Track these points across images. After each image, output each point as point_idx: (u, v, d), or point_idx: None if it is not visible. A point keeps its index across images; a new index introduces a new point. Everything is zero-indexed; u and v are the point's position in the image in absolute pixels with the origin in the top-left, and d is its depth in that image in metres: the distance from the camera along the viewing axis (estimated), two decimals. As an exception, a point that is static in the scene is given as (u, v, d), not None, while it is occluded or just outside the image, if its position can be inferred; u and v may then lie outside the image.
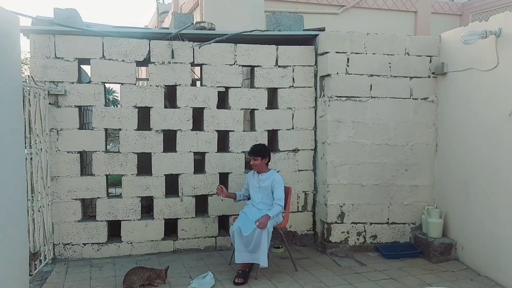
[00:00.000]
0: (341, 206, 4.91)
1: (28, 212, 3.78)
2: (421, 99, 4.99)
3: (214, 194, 4.93)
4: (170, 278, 4.02)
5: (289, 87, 5.11)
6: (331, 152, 4.87)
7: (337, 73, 4.82)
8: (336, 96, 4.84)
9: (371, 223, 4.98)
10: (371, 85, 4.91)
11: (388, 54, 4.90)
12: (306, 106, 5.16)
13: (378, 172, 4.96)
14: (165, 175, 4.81)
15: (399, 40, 4.93)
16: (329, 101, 4.84)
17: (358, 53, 4.85)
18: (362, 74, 4.88)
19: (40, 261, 4.10)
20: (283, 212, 4.38)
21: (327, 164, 4.88)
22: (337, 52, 4.81)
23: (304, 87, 5.15)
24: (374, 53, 4.88)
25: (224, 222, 5.10)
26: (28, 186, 3.75)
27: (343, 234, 4.92)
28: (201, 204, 5.04)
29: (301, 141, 5.17)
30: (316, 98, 5.18)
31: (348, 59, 4.83)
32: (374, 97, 4.92)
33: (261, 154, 4.32)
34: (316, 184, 5.20)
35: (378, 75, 4.90)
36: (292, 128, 5.14)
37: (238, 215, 4.36)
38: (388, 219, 5.02)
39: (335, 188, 4.89)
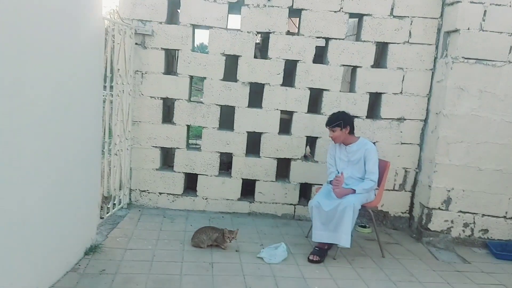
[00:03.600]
0: (449, 191, 4.10)
1: (104, 155, 3.67)
2: None
3: (298, 159, 4.44)
4: (240, 242, 3.69)
5: (403, 43, 4.28)
6: (446, 125, 4.02)
7: (468, 29, 3.87)
8: (462, 57, 3.92)
9: (483, 215, 4.11)
10: (511, 47, 3.89)
11: (540, 8, 3.82)
12: (422, 67, 4.31)
13: (504, 155, 4.01)
14: (247, 132, 4.41)
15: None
16: (453, 62, 3.94)
17: (500, 5, 3.83)
18: (501, 32, 3.87)
19: (114, 205, 4.02)
20: (376, 189, 3.74)
21: (438, 139, 4.06)
22: (471, 2, 3.85)
23: (422, 43, 4.28)
24: (520, 6, 3.83)
25: (306, 191, 4.61)
26: (105, 128, 3.60)
27: (446, 223, 4.13)
28: (283, 168, 4.59)
29: (409, 109, 4.37)
30: (435, 58, 4.29)
31: (485, 11, 3.84)
32: (513, 63, 3.92)
33: (339, 123, 3.61)
34: (421, 162, 4.41)
35: (522, 35, 3.87)
36: (401, 92, 4.35)
37: (321, 185, 3.82)
38: (506, 212, 4.10)
39: (445, 168, 4.07)
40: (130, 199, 4.43)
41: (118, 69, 3.82)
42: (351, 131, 3.69)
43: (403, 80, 4.34)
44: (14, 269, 2.25)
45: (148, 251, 3.38)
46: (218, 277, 3.03)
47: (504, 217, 4.12)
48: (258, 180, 4.48)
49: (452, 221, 4.14)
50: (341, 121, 3.61)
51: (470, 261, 3.78)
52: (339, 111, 3.74)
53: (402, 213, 4.54)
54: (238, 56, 4.29)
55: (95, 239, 3.40)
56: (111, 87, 3.70)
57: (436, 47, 4.28)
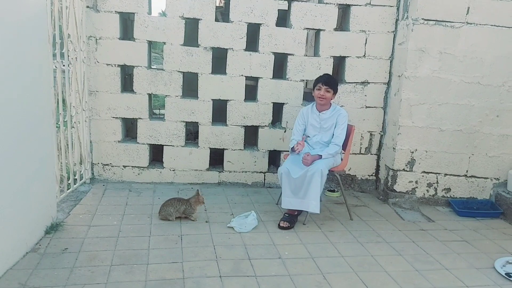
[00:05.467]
0: (412, 152, 4.17)
1: (59, 128, 3.46)
2: (535, 28, 3.94)
3: (265, 126, 4.38)
4: (210, 213, 3.64)
5: (365, 5, 4.22)
6: (409, 87, 4.05)
7: (428, -12, 3.85)
8: (422, 18, 3.91)
9: (445, 174, 4.23)
10: (468, 8, 3.91)
11: (499, -33, 3.82)
12: (384, 29, 4.28)
13: (463, 116, 4.11)
14: (212, 100, 4.28)
15: None
16: (413, 24, 3.93)
17: (458, -36, 3.82)
18: (460, -8, 3.88)
19: (76, 180, 3.85)
20: (342, 153, 3.75)
21: (401, 102, 4.09)
22: (430, -38, 3.81)
23: (383, 5, 4.23)
24: (479, -36, 3.82)
25: (275, 158, 4.58)
26: (59, 99, 3.38)
27: (411, 184, 4.23)
28: (250, 135, 4.52)
29: (372, 72, 4.36)
30: (396, 20, 4.26)
31: (444, -29, 3.83)
32: (471, 24, 3.94)
33: (335, 86, 3.60)
34: (385, 125, 4.45)
35: (481, -5, 3.88)
36: (364, 55, 4.32)
37: (289, 152, 3.79)
38: (467, 171, 4.24)
39: (408, 130, 4.13)
40: (92, 173, 4.26)
41: (69, 35, 3.56)
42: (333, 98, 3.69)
43: (366, 43, 4.30)
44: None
45: (113, 227, 3.27)
46: (187, 249, 2.98)
47: (465, 175, 4.26)
48: (226, 149, 4.41)
49: (416, 182, 4.24)
50: (336, 85, 3.61)
51: (434, 220, 3.90)
52: (331, 75, 3.78)
53: (369, 176, 4.61)
54: (198, 19, 4.10)
55: (55, 217, 3.25)
56: (62, 54, 3.45)
57: (397, 9, 4.25)
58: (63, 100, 3.50)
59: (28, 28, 2.73)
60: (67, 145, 3.63)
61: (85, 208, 3.59)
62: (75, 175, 3.85)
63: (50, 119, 3.14)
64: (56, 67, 3.28)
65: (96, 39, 4.02)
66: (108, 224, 3.32)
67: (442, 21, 3.93)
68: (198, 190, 3.51)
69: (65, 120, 3.56)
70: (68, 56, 3.55)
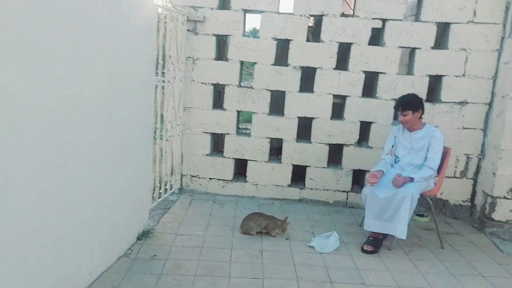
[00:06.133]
0: (516, 180, 3.80)
1: (156, 141, 3.72)
2: None
3: (351, 144, 4.29)
4: (290, 230, 3.63)
5: (467, 23, 3.97)
6: (514, 109, 3.71)
7: (541, 3, 3.52)
8: (533, 35, 3.58)
9: (554, 207, 3.78)
10: None
11: None
12: (487, 48, 3.98)
13: None
14: (298, 117, 4.30)
15: None
16: (522, 41, 3.61)
17: None
18: None
19: (166, 190, 4.09)
20: (435, 177, 3.52)
21: (505, 124, 3.75)
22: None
23: (487, 23, 3.95)
24: None
25: (359, 177, 4.44)
26: (157, 115, 3.64)
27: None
28: (335, 154, 4.45)
29: (472, 92, 4.07)
30: (502, 38, 3.94)
31: (561, -18, 3.47)
32: None
33: (412, 107, 3.39)
34: (484, 148, 4.11)
35: None
36: (463, 74, 4.06)
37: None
38: None
39: (511, 155, 3.76)
40: (181, 184, 4.49)
41: (170, 56, 3.84)
42: (421, 116, 3.48)
43: (466, 61, 4.04)
44: (72, 255, 2.33)
45: (198, 237, 3.41)
46: (268, 266, 2.99)
47: None
48: (309, 166, 4.38)
49: (519, 212, 3.84)
50: (414, 104, 3.41)
51: (539, 256, 3.49)
52: (409, 94, 3.54)
53: (463, 201, 4.27)
54: (290, 40, 4.17)
55: (147, 224, 3.47)
56: (163, 73, 3.73)
57: (504, 26, 3.94)
58: (161, 116, 3.76)
59: (139, 47, 3.01)
60: (161, 156, 3.88)
61: (173, 217, 3.79)
62: (166, 185, 4.09)
63: (151, 133, 3.40)
64: (157, 85, 3.54)
65: (193, 60, 4.27)
66: (193, 234, 3.46)
67: (556, 37, 3.56)
68: (287, 218, 3.54)
69: (161, 133, 3.82)
70: (168, 75, 3.82)
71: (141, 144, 3.22)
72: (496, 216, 3.87)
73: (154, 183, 3.76)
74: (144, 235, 3.31)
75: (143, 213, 3.41)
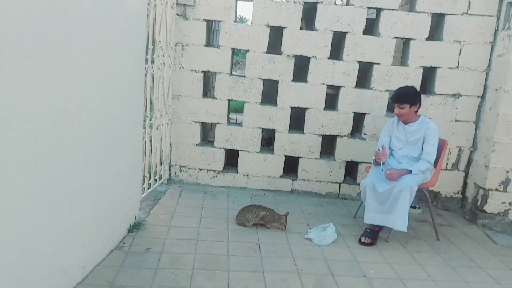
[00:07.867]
0: (508, 171, 3.82)
1: (145, 129, 3.55)
2: None
3: (344, 135, 4.23)
4: (285, 222, 3.55)
5: (462, 14, 3.96)
6: (508, 102, 3.71)
7: (538, -5, 3.53)
8: (528, 27, 3.59)
9: (545, 198, 3.84)
10: None
11: None
12: (481, 40, 3.98)
13: None
14: (291, 107, 4.21)
15: None
16: (517, 33, 3.62)
17: None
18: None
19: (155, 180, 3.93)
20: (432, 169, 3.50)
21: (498, 117, 3.76)
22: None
23: (482, 15, 3.94)
24: None
25: (351, 169, 4.41)
26: (146, 103, 3.47)
27: (504, 205, 3.87)
28: (327, 145, 4.39)
29: (465, 85, 4.07)
30: (496, 31, 3.95)
31: (559, -26, 3.48)
32: None
33: (409, 100, 3.32)
34: (476, 140, 4.13)
35: None
36: (457, 67, 4.05)
37: (371, 164, 3.61)
38: None
39: (504, 148, 3.79)
40: (169, 174, 4.34)
41: (159, 41, 3.66)
42: (417, 110, 3.43)
43: (460, 53, 4.03)
44: (63, 249, 2.18)
45: (192, 229, 3.28)
46: (267, 259, 2.90)
47: None
48: (302, 157, 4.31)
49: (510, 203, 3.87)
50: (412, 98, 3.34)
51: (532, 247, 3.54)
52: (407, 86, 3.44)
53: (454, 193, 4.30)
54: (283, 27, 4.05)
55: (138, 216, 3.32)
56: (153, 60, 3.55)
57: (498, 19, 3.94)
58: (151, 103, 3.59)
59: (128, 31, 2.82)
60: (151, 146, 3.72)
61: (164, 208, 3.65)
62: (155, 176, 3.93)
63: (141, 122, 3.23)
64: (146, 71, 3.37)
65: (183, 46, 4.10)
66: (187, 226, 3.34)
67: (549, 30, 3.59)
68: (287, 213, 3.45)
69: (151, 122, 3.65)
70: (158, 61, 3.64)
71: (132, 134, 3.05)
72: (488, 208, 3.90)
73: (144, 174, 3.60)
74: (135, 227, 3.17)
75: (134, 204, 3.25)
